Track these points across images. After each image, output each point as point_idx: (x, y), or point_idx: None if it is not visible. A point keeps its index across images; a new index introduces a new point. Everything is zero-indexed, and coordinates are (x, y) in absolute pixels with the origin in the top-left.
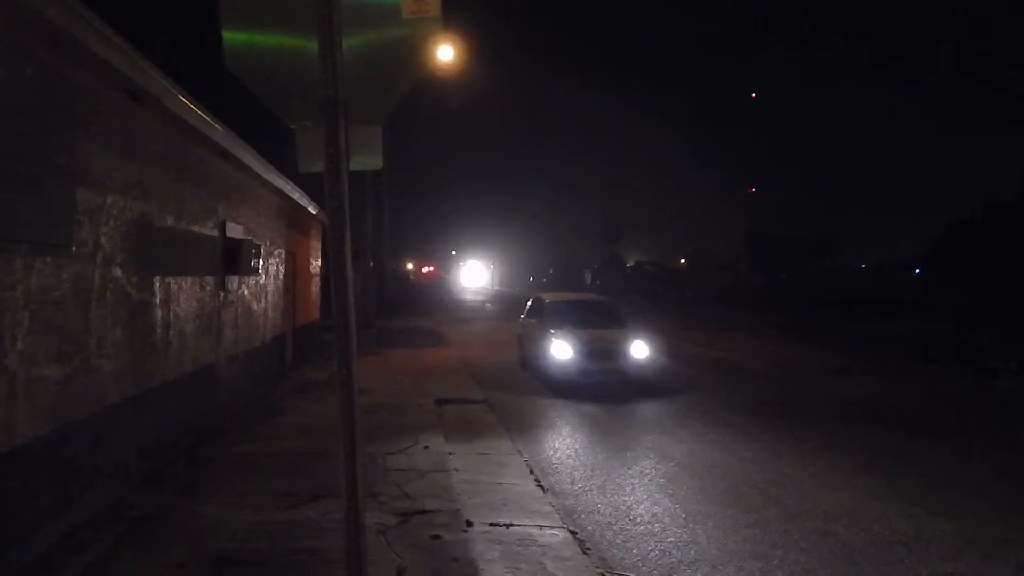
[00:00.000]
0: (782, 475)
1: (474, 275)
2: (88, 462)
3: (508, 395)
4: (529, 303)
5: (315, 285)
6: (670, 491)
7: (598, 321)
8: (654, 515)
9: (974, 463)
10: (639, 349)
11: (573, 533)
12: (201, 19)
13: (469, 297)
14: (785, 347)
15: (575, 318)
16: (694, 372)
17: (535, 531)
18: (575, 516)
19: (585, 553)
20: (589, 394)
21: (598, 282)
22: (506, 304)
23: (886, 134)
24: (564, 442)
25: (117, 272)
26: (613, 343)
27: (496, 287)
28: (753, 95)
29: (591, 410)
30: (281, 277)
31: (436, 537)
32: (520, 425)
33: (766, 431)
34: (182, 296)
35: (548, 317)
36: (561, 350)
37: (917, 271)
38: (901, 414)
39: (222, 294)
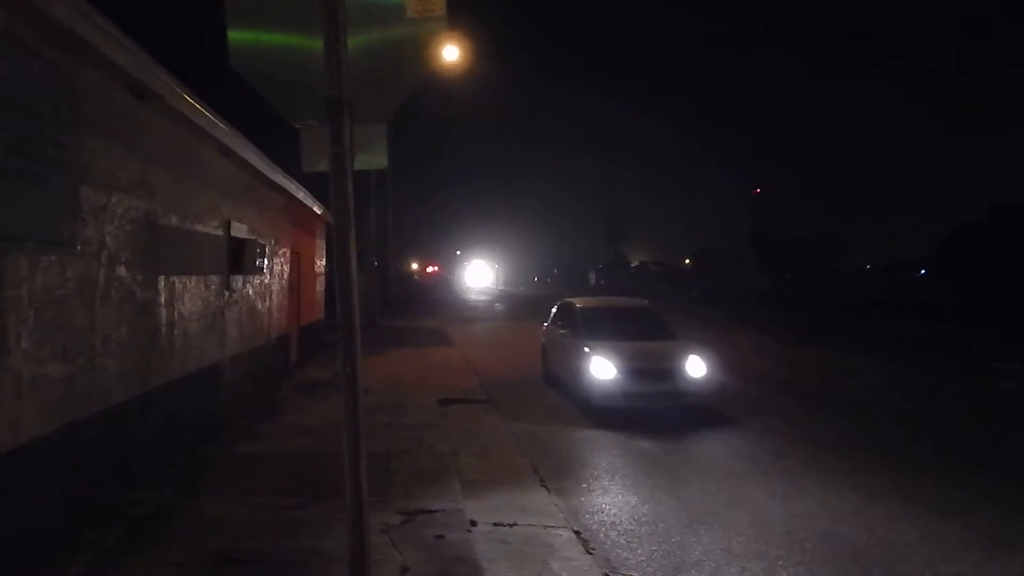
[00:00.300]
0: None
1: (479, 275)
2: (91, 460)
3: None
4: (555, 309)
5: (319, 284)
6: (674, 493)
7: (642, 332)
8: (658, 515)
9: (978, 464)
10: (696, 366)
11: (577, 533)
12: (206, 18)
13: (474, 297)
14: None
15: (615, 328)
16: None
17: (539, 531)
18: (579, 516)
19: (589, 553)
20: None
21: (602, 282)
22: (511, 304)
23: (888, 134)
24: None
25: (122, 271)
26: (664, 359)
27: (500, 287)
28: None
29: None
30: (286, 276)
31: (440, 537)
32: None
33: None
34: (187, 295)
35: (582, 327)
36: (601, 369)
37: (922, 272)
38: (908, 415)
39: (227, 293)
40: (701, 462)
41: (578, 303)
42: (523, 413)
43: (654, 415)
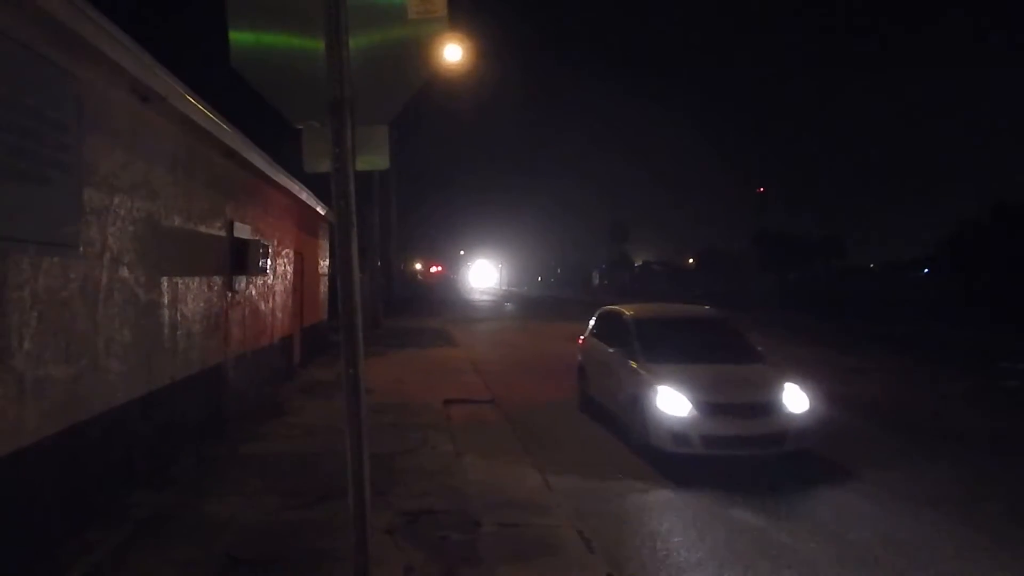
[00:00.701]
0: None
1: (483, 275)
2: (95, 462)
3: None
4: (595, 319)
5: (323, 285)
6: (680, 493)
7: (718, 351)
8: (662, 515)
9: (984, 464)
10: (795, 399)
11: (580, 533)
12: (208, 18)
13: (478, 297)
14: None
15: (681, 346)
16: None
17: (543, 531)
18: (583, 517)
19: (592, 553)
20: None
21: (606, 282)
22: (515, 304)
23: (889, 133)
24: None
25: (124, 272)
26: (754, 390)
27: (504, 287)
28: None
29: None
30: (289, 277)
31: (444, 537)
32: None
33: None
34: (189, 296)
35: (639, 345)
36: (670, 403)
37: (925, 271)
38: (920, 416)
39: (229, 294)
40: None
41: (628, 312)
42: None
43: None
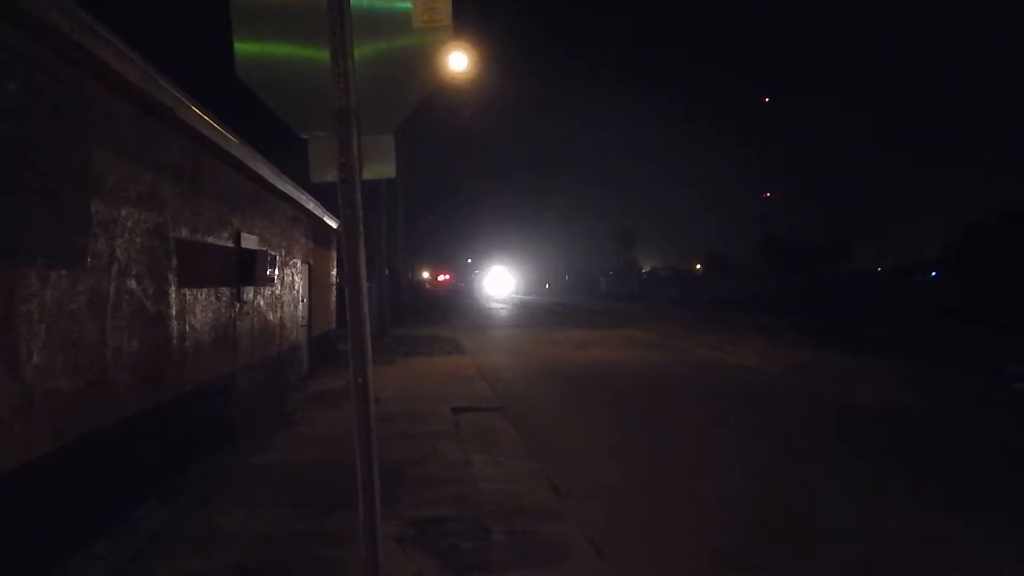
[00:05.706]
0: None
1: (496, 282)
2: (104, 473)
3: None
4: None
5: (331, 294)
6: (690, 496)
7: None
8: (672, 521)
9: (992, 467)
10: None
11: (591, 540)
12: (214, 30)
13: (488, 305)
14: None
15: None
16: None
17: (553, 538)
18: (592, 523)
19: (603, 560)
20: None
21: (614, 287)
22: (524, 312)
23: (892, 134)
24: None
25: (132, 284)
26: None
27: (512, 295)
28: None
29: None
30: (297, 287)
31: (454, 545)
32: None
33: None
34: (197, 307)
35: None
36: None
37: (933, 273)
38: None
39: (238, 304)
40: None
41: None
42: None
43: None
